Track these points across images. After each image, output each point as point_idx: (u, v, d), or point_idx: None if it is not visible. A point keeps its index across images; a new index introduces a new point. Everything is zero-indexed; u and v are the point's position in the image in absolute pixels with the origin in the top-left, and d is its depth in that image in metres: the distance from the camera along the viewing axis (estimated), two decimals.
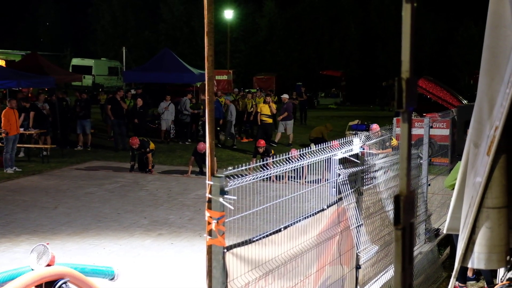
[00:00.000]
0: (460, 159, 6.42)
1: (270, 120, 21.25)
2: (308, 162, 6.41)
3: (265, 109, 21.24)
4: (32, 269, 6.10)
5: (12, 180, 16.34)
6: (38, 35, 62.56)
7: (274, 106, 21.60)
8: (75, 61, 45.96)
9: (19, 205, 13.33)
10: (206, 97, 5.08)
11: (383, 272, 8.39)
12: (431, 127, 10.58)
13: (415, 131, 9.79)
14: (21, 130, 18.33)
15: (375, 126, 9.90)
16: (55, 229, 11.46)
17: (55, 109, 21.56)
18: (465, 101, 19.37)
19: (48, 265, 6.21)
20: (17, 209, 13.10)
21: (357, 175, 7.43)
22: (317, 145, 6.69)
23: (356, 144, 7.41)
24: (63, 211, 12.82)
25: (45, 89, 23.45)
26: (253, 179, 5.43)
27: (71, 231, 11.31)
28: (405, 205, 3.83)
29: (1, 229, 11.51)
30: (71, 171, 17.41)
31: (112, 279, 7.35)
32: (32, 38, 59.21)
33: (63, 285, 6.28)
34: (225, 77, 35.29)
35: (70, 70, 40.27)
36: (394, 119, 17.62)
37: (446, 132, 11.95)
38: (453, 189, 6.34)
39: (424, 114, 13.50)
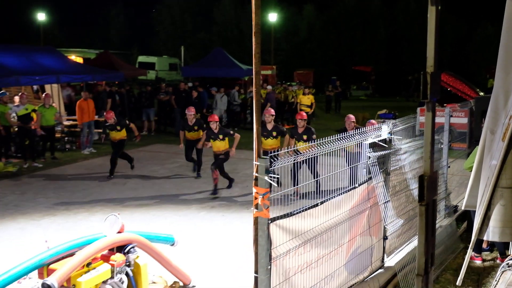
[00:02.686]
0: (477, 144, 6.30)
1: (308, 110, 21.15)
2: (343, 146, 6.37)
3: (304, 100, 21.17)
4: (106, 236, 6.20)
5: (88, 160, 16.65)
6: (109, 36, 63.32)
7: (312, 97, 21.49)
8: (141, 58, 46.44)
9: (94, 181, 13.59)
10: (254, 89, 5.09)
11: (407, 243, 8.33)
12: (451, 116, 10.43)
13: (437, 120, 9.64)
14: (96, 117, 18.61)
15: (373, 121, 9.66)
16: (124, 202, 11.65)
17: (124, 100, 21.85)
18: (482, 93, 18.99)
19: (119, 232, 6.32)
20: (93, 184, 13.36)
21: (385, 157, 7.37)
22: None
23: (385, 130, 7.34)
24: (131, 186, 13.02)
25: (115, 82, 23.74)
26: (293, 160, 5.43)
27: (137, 203, 11.48)
28: (429, 184, 3.80)
29: (79, 201, 11.74)
30: (138, 153, 17.60)
31: (172, 245, 7.44)
32: (105, 39, 59.90)
33: (131, 249, 6.38)
34: (269, 72, 35.24)
35: (137, 66, 40.67)
36: (418, 109, 17.33)
37: (465, 120, 11.77)
38: (471, 170, 6.24)
39: (445, 105, 13.26)
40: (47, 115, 16.26)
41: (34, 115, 16.14)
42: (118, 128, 13.97)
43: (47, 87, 19.80)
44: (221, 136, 12.23)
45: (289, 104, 24.28)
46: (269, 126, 12.14)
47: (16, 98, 16.47)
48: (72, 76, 19.17)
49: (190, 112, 13.80)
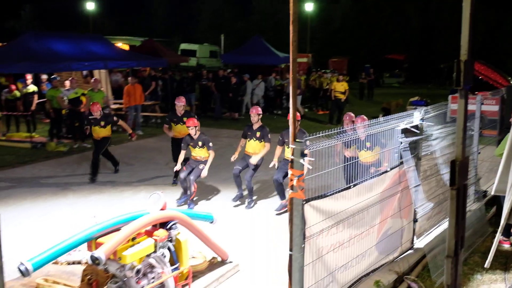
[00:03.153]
0: (508, 132, 6.17)
1: (342, 96, 20.96)
2: (376, 131, 6.31)
3: (338, 87, 20.96)
4: (149, 213, 6.28)
5: (134, 141, 16.84)
6: (153, 25, 63.67)
7: (345, 84, 21.27)
8: (183, 46, 46.61)
9: (139, 162, 13.75)
10: (290, 76, 5.07)
11: (436, 226, 8.24)
12: (482, 103, 10.22)
13: (468, 107, 9.47)
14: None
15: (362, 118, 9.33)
16: (166, 181, 11.76)
17: (167, 85, 21.99)
18: None
19: (162, 209, 6.38)
20: (138, 164, 13.53)
21: (417, 143, 7.28)
22: (384, 115, 6.63)
23: (417, 117, 7.24)
24: (173, 166, 13.12)
25: (159, 68, 23.89)
26: (328, 144, 5.40)
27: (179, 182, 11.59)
28: (460, 169, 3.73)
29: (125, 180, 11.92)
30: None
31: (211, 222, 7.48)
32: (149, 27, 60.28)
33: (173, 226, 6.45)
34: (305, 60, 35.00)
35: (179, 53, 40.83)
36: (450, 96, 16.99)
37: (496, 108, 11.50)
38: (502, 157, 6.13)
39: (476, 93, 12.96)
40: (96, 99, 16.46)
41: (83, 99, 16.40)
42: (102, 123, 12.01)
43: (96, 72, 20.07)
44: (200, 143, 10.11)
45: (323, 91, 24.12)
46: (255, 126, 10.18)
47: (67, 83, 16.73)
48: (119, 62, 19.35)
49: (180, 103, 11.34)
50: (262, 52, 27.14)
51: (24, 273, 5.26)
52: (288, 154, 8.95)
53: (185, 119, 10.90)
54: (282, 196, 9.65)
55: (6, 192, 10.95)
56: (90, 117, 12.05)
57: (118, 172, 12.64)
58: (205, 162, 10.05)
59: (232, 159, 10.21)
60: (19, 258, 5.40)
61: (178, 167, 10.24)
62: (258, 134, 10.08)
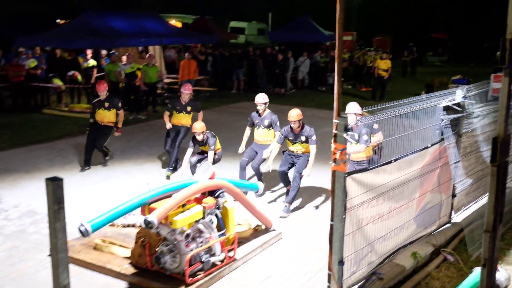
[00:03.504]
0: None
1: (385, 74, 20.55)
2: (418, 108, 6.18)
3: (381, 65, 20.55)
4: (199, 181, 6.34)
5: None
6: (204, 3, 63.63)
7: (389, 62, 20.82)
8: (233, 24, 46.42)
9: (190, 134, 13.83)
10: (336, 53, 4.99)
11: (474, 201, 8.06)
12: None
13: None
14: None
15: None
16: None
17: (217, 61, 22.03)
18: None
19: (210, 178, 6.44)
20: (189, 135, 13.62)
21: (458, 120, 7.09)
22: (427, 92, 6.50)
23: (459, 95, 7.05)
24: (220, 139, 13.19)
25: (209, 45, 23.93)
26: (371, 120, 5.32)
27: (226, 154, 11.62)
28: (502, 146, 3.61)
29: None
30: (227, 109, 17.83)
31: (256, 192, 7.51)
32: (200, 5, 60.29)
33: (221, 194, 6.51)
34: (349, 38, 34.42)
35: (229, 31, 40.76)
36: (492, 75, 16.41)
37: None
38: None
39: None
40: (150, 73, 16.66)
41: (138, 73, 16.59)
42: (107, 105, 10.46)
43: (151, 48, 20.25)
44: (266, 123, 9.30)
45: (367, 68, 23.73)
46: (263, 114, 9.41)
47: (124, 58, 16.94)
48: (172, 39, 19.49)
49: (186, 91, 10.31)
50: (308, 30, 26.90)
51: (84, 234, 5.42)
52: (291, 147, 8.59)
53: (189, 108, 10.21)
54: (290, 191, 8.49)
55: (68, 159, 11.26)
56: (94, 101, 10.67)
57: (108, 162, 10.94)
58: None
59: (240, 151, 9.48)
60: (80, 220, 5.55)
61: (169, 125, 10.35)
62: (266, 122, 9.30)
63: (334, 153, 5.02)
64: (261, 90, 21.48)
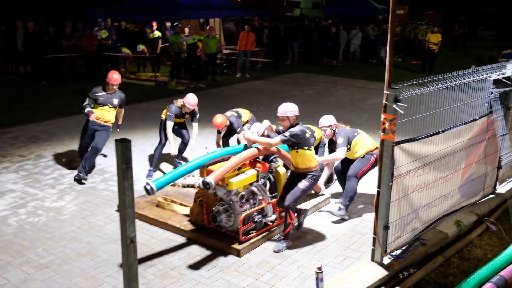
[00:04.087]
0: None
1: (435, 47, 19.83)
2: (469, 80, 5.96)
3: (432, 38, 19.84)
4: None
5: (241, 83, 17.02)
6: None
7: (439, 36, 20.05)
8: None
9: (245, 101, 13.87)
10: (389, 26, 4.86)
11: None
12: None
13: None
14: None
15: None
16: (268, 118, 11.81)
17: (273, 33, 21.81)
18: None
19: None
20: (245, 103, 13.65)
21: (507, 94, 6.81)
22: (478, 66, 6.28)
23: (509, 68, 6.74)
24: (275, 107, 13.16)
25: (266, 18, 23.67)
26: (420, 92, 5.18)
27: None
28: None
29: None
30: (282, 79, 17.72)
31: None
32: None
33: (274, 159, 6.56)
34: (401, 12, 33.31)
35: (285, 4, 40.11)
36: None
37: None
38: None
39: None
40: (210, 44, 16.72)
41: (199, 44, 16.67)
42: (115, 102, 8.19)
43: (211, 20, 20.26)
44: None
45: (418, 42, 22.96)
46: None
47: (186, 29, 17.02)
48: (231, 12, 19.39)
49: (191, 107, 8.41)
50: (361, 3, 26.31)
51: (149, 192, 5.57)
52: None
53: (187, 116, 8.57)
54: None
55: (135, 123, 11.52)
56: (98, 94, 8.03)
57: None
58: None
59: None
60: (145, 179, 5.72)
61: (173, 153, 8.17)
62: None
63: (384, 123, 4.93)
64: (315, 61, 21.25)
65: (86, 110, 7.95)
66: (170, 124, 8.20)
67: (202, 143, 9.52)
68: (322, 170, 7.29)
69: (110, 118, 8.21)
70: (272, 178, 6.63)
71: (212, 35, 16.96)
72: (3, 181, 8.04)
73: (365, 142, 6.94)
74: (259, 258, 5.79)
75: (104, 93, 8.10)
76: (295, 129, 5.78)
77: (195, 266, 5.63)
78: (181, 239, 6.18)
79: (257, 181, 6.28)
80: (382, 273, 5.31)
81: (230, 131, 8.42)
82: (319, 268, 4.78)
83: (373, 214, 5.33)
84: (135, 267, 3.06)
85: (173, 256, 5.81)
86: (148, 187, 5.53)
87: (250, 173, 6.19)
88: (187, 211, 6.54)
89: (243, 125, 8.18)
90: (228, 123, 8.13)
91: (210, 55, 16.82)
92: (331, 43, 21.51)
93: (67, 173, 8.42)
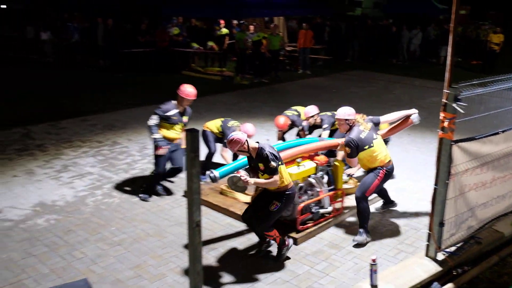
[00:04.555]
0: None
1: (496, 48, 18.96)
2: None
3: (495, 38, 18.98)
4: (317, 140, 6.34)
5: (302, 79, 16.94)
6: None
7: (501, 36, 19.13)
8: None
9: (305, 96, 13.78)
10: (451, 26, 4.69)
11: None
12: None
13: None
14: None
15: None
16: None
17: (334, 31, 21.53)
18: None
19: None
20: (304, 99, 13.60)
21: None
22: None
23: None
24: (336, 103, 13.03)
25: (327, 16, 23.38)
26: (480, 92, 4.98)
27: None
28: None
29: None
30: (341, 76, 17.48)
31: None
32: None
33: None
34: (463, 12, 32.05)
35: (346, 3, 39.43)
36: None
37: None
38: None
39: None
40: (274, 42, 16.74)
41: (264, 41, 16.71)
42: (185, 120, 7.03)
43: (275, 19, 20.21)
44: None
45: (479, 42, 22.00)
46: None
47: (251, 27, 17.09)
48: (294, 10, 19.31)
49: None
50: (422, 3, 25.50)
51: (213, 180, 5.64)
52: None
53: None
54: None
55: (202, 114, 11.71)
56: (168, 113, 6.73)
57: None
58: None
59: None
60: (208, 168, 5.80)
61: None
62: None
63: (442, 121, 4.77)
64: (374, 59, 20.82)
65: (155, 137, 6.61)
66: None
67: (264, 135, 9.55)
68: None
69: (179, 135, 6.96)
70: (330, 172, 6.57)
71: (276, 33, 16.96)
72: (82, 164, 8.39)
73: (382, 153, 5.82)
74: (315, 247, 5.77)
75: (176, 111, 6.77)
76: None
77: (254, 251, 5.67)
78: (242, 225, 6.24)
79: (315, 173, 6.24)
80: (436, 268, 5.17)
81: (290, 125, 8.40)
82: (374, 260, 4.71)
83: (429, 210, 5.18)
84: (200, 249, 3.12)
85: (233, 241, 5.88)
86: (212, 175, 5.61)
87: (309, 166, 6.17)
88: (248, 199, 6.58)
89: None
90: (290, 122, 8.06)
91: (273, 52, 16.83)
92: (391, 42, 21.02)
93: (139, 159, 8.68)
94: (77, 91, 14.26)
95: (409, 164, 8.53)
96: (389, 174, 5.87)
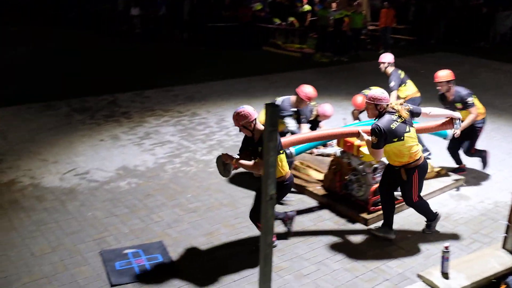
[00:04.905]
0: None
1: None
2: None
3: None
4: None
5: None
6: None
7: None
8: None
9: (386, 77, 13.38)
10: None
11: None
12: None
13: None
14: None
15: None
16: None
17: (419, 11, 20.64)
18: None
19: None
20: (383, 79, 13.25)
21: None
22: None
23: None
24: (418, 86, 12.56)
25: None
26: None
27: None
28: None
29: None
30: (424, 58, 16.75)
31: (444, 138, 7.05)
32: None
33: None
34: None
35: None
36: None
37: None
38: None
39: None
40: (356, 20, 16.35)
41: (346, 19, 16.35)
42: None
43: None
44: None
45: None
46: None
47: (334, 5, 16.77)
48: None
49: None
50: None
51: (289, 156, 5.64)
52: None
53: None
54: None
55: (279, 90, 11.70)
56: (285, 112, 6.15)
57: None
58: None
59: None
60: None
61: None
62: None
63: None
64: (460, 42, 19.76)
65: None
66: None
67: (340, 114, 9.43)
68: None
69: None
70: None
71: (359, 11, 16.52)
72: (163, 132, 8.71)
73: (412, 148, 5.02)
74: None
75: (291, 112, 6.23)
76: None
77: (324, 228, 5.67)
78: (313, 202, 6.25)
79: None
80: None
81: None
82: (446, 247, 4.57)
83: (509, 201, 4.92)
84: (272, 222, 3.17)
85: (304, 217, 5.91)
86: (288, 151, 5.63)
87: None
88: (321, 176, 6.56)
89: None
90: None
91: (355, 30, 16.45)
92: (480, 24, 19.80)
93: (216, 131, 8.88)
94: (161, 62, 14.73)
95: (493, 152, 8.09)
96: (422, 171, 5.13)
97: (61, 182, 6.69)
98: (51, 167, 7.17)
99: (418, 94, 7.94)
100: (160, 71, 13.55)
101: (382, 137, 4.82)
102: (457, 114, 5.53)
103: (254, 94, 11.38)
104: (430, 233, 5.55)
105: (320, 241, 5.39)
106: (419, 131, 5.42)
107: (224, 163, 4.87)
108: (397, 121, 4.89)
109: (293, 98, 6.35)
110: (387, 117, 4.91)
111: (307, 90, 6.30)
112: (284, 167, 4.89)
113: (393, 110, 4.95)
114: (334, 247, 5.28)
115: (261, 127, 4.70)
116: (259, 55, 16.49)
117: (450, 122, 5.53)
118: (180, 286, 4.59)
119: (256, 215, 4.93)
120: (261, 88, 11.95)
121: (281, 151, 4.79)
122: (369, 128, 5.10)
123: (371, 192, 5.76)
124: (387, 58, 8.00)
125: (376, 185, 5.79)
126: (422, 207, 5.40)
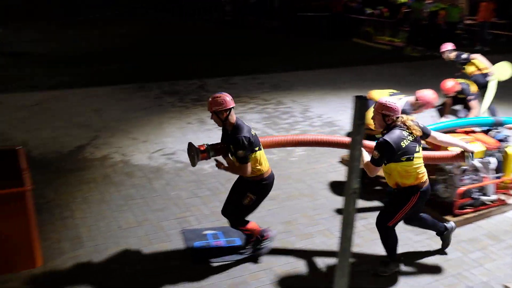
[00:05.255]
0: None
1: None
2: None
3: None
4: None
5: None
6: None
7: None
8: None
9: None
10: None
11: None
12: None
13: None
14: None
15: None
16: None
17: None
18: None
19: None
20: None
21: None
22: None
23: None
24: (502, 85, 11.74)
25: None
26: None
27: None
28: None
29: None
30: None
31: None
32: None
33: (505, 138, 5.93)
34: None
35: None
36: None
37: None
38: None
39: None
40: (453, 13, 15.57)
41: (441, 12, 15.62)
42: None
43: None
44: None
45: None
46: None
47: None
48: None
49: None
50: None
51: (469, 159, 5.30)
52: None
53: None
54: None
55: (366, 83, 11.44)
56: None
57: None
58: None
59: None
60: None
61: None
62: None
63: None
64: None
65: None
66: None
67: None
68: None
69: None
70: (499, 158, 6.00)
71: (456, 3, 15.70)
72: (248, 119, 8.81)
73: (420, 169, 4.36)
74: (471, 234, 5.37)
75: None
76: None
77: (404, 228, 5.48)
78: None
79: (482, 157, 5.75)
80: None
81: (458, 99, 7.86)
82: None
83: None
84: (353, 216, 3.10)
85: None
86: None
87: (476, 149, 5.69)
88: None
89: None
90: (459, 89, 7.65)
91: (451, 24, 15.65)
92: None
93: (300, 121, 8.84)
94: (249, 50, 14.87)
95: None
96: (423, 196, 4.42)
97: (149, 160, 6.99)
98: (140, 145, 7.50)
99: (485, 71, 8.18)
100: (247, 58, 13.70)
101: (388, 155, 4.16)
102: (470, 147, 4.93)
103: (341, 86, 11.20)
104: (384, 275, 4.61)
105: (399, 240, 5.21)
106: (424, 159, 4.52)
107: (197, 152, 4.45)
108: (408, 138, 4.22)
109: (411, 100, 6.06)
110: (397, 132, 4.19)
111: (428, 95, 5.98)
112: (262, 165, 4.49)
113: (404, 126, 4.26)
114: (413, 247, 5.08)
115: (233, 118, 4.33)
116: (349, 47, 16.19)
117: (462, 155, 4.97)
118: (255, 271, 4.63)
119: (229, 211, 4.63)
120: (348, 80, 11.73)
121: (256, 149, 4.37)
122: (372, 143, 4.59)
123: (458, 194, 5.48)
124: (447, 46, 8.71)
125: (464, 188, 5.50)
126: (390, 238, 4.59)
